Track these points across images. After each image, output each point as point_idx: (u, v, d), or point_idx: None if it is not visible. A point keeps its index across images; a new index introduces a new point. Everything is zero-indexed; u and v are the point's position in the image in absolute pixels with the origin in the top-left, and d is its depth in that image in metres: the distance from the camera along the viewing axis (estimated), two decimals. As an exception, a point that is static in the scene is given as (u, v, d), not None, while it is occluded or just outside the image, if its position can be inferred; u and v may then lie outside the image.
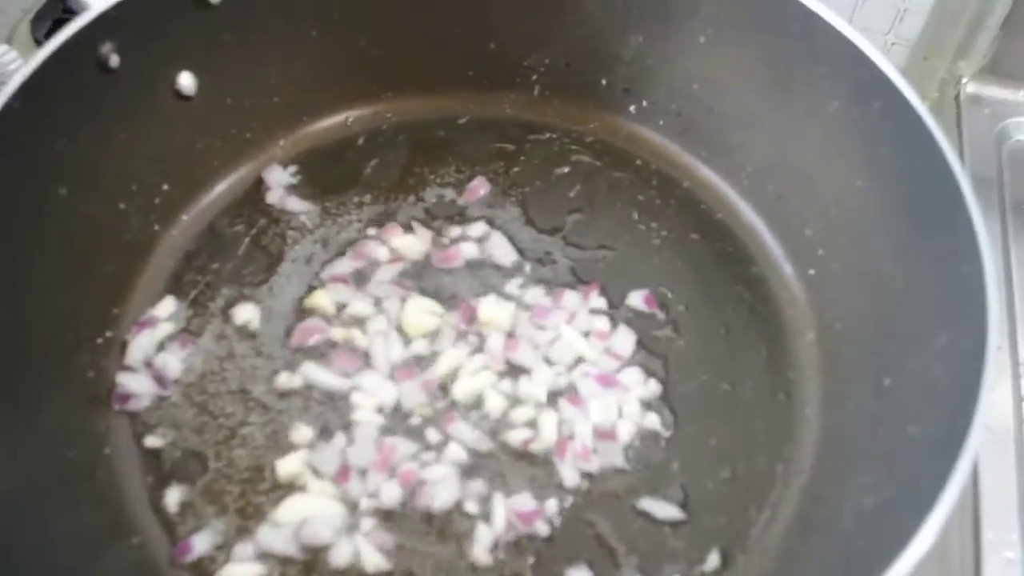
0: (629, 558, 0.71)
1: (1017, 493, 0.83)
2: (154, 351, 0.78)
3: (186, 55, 0.82)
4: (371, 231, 0.86)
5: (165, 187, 0.85)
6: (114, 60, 0.76)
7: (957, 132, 1.13)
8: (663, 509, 0.73)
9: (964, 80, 1.16)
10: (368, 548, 0.70)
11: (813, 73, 0.81)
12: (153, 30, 0.78)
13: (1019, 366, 0.92)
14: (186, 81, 0.83)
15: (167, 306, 0.81)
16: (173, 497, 0.72)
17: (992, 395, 0.86)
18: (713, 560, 0.71)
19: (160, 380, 0.77)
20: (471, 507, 0.72)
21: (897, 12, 1.19)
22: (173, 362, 0.78)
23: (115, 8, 0.74)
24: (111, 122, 0.79)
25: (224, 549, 0.70)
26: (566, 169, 0.92)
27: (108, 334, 0.79)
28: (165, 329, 0.80)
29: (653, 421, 0.77)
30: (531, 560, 0.71)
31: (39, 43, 1.00)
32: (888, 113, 0.75)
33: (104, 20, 0.74)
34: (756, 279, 0.86)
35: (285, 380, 0.77)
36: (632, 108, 0.94)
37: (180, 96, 0.83)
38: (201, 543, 0.70)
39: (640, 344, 0.81)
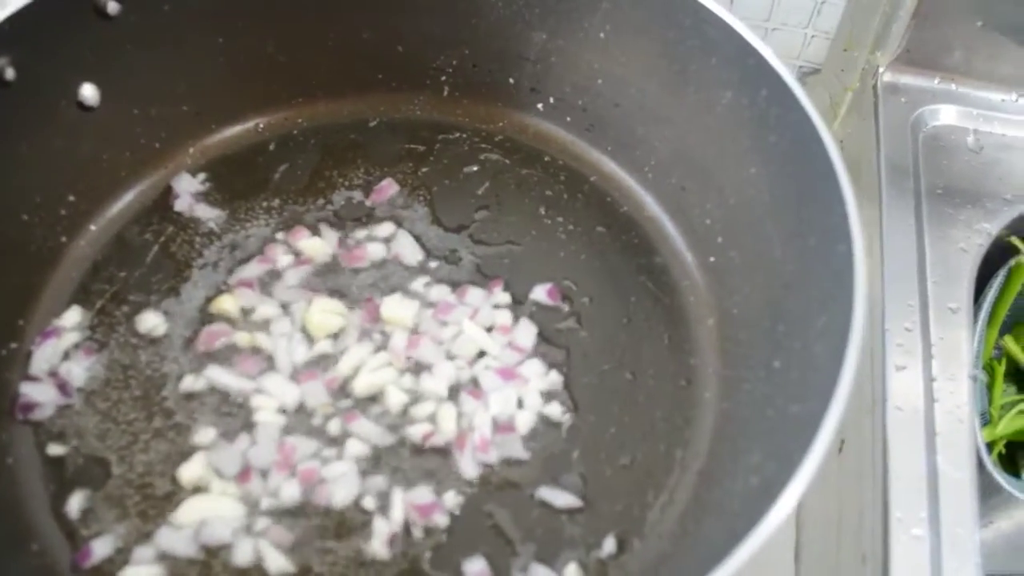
0: (526, 546, 0.72)
1: (926, 472, 0.84)
2: (59, 360, 0.79)
3: (87, 66, 0.83)
4: (279, 235, 0.87)
5: (71, 198, 0.85)
6: (10, 73, 0.76)
7: (875, 122, 1.14)
8: (561, 497, 0.74)
9: (881, 69, 1.17)
10: (268, 547, 0.70)
11: (706, 65, 0.82)
12: (50, 43, 0.78)
13: (931, 347, 0.93)
14: (88, 92, 0.83)
15: (72, 316, 0.82)
16: (75, 504, 0.73)
17: (902, 375, 0.88)
18: (609, 545, 0.72)
19: (64, 389, 0.78)
20: (370, 503, 0.73)
21: (815, 5, 1.21)
22: (77, 371, 0.78)
23: (7, 22, 0.74)
24: (10, 135, 0.79)
25: (124, 552, 0.71)
26: (475, 168, 0.93)
27: (12, 345, 0.79)
28: (70, 338, 0.80)
29: (553, 411, 0.78)
30: (428, 553, 0.71)
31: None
32: (773, 100, 0.76)
33: (-4, 33, 0.74)
34: (659, 268, 0.87)
35: (189, 383, 0.78)
36: (540, 106, 0.96)
37: (83, 107, 0.84)
38: (101, 548, 0.71)
39: (542, 336, 0.82)
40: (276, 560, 0.70)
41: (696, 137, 0.86)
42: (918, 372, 0.90)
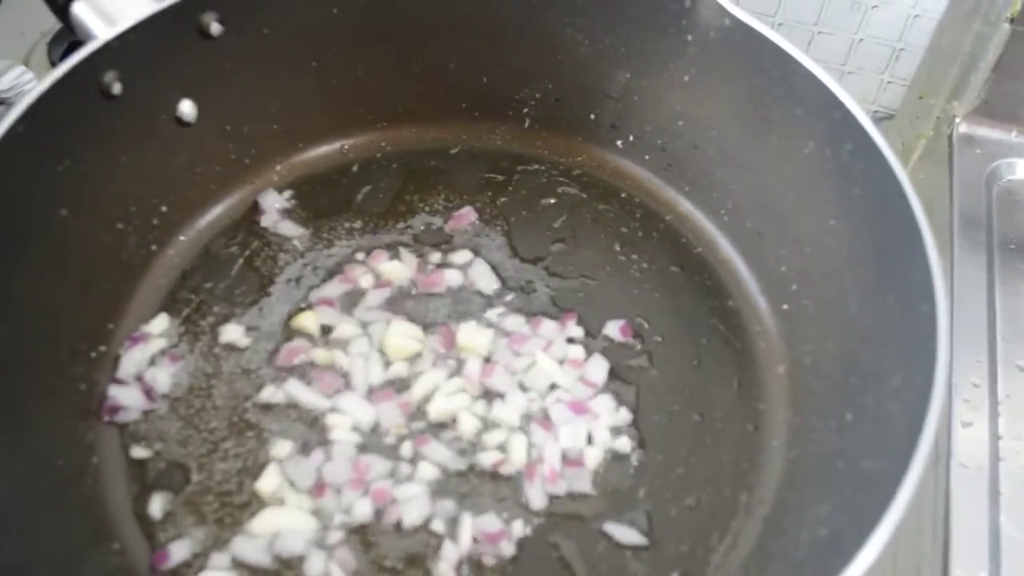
0: (590, 581, 0.73)
1: (988, 530, 0.84)
2: (145, 366, 0.82)
3: (187, 83, 0.86)
4: (360, 256, 0.90)
5: (163, 209, 0.88)
6: (116, 88, 0.79)
7: (949, 171, 1.14)
8: (626, 534, 0.75)
9: (957, 120, 1.17)
10: (338, 564, 0.72)
11: (791, 114, 0.83)
12: (155, 60, 0.82)
13: (998, 404, 0.92)
14: (187, 108, 0.87)
15: (160, 323, 0.84)
16: (155, 506, 0.75)
17: (968, 431, 0.88)
18: (673, 586, 0.73)
19: (149, 394, 0.80)
20: (439, 525, 0.74)
21: (893, 51, 1.21)
22: (162, 377, 0.81)
23: (118, 39, 0.78)
24: (113, 146, 0.82)
25: (201, 557, 0.73)
26: (552, 200, 0.95)
27: (102, 348, 0.82)
28: (157, 345, 0.83)
29: (622, 447, 0.79)
30: (495, 580, 0.73)
31: (54, 64, 1.05)
32: (858, 154, 0.77)
33: (107, 51, 0.77)
34: (731, 312, 0.88)
35: (269, 394, 0.80)
36: (619, 143, 0.97)
37: (181, 122, 0.87)
38: (179, 551, 0.73)
39: (614, 373, 0.83)
40: (346, 574, 0.72)
41: (775, 184, 0.87)
42: (984, 429, 0.90)
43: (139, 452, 0.78)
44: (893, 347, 0.72)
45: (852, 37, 1.22)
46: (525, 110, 0.98)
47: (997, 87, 1.14)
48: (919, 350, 0.66)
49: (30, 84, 1.00)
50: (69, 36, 1.09)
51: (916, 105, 1.25)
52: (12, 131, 0.72)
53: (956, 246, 1.05)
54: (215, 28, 0.84)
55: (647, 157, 0.96)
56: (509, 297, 0.88)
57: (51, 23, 1.08)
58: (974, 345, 0.96)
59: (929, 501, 0.87)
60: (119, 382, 0.81)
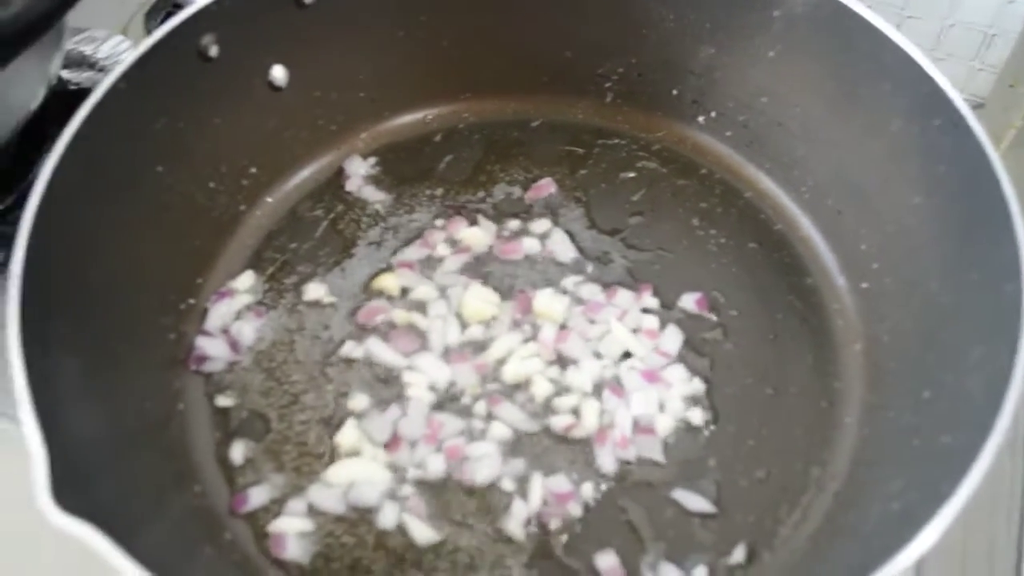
0: (656, 544, 0.73)
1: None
2: (231, 319, 0.85)
3: (279, 49, 0.89)
4: (440, 222, 0.91)
5: (253, 170, 0.91)
6: (213, 50, 0.82)
7: (1035, 161, 1.11)
8: (695, 501, 0.75)
9: (1049, 108, 1.14)
10: (411, 515, 0.74)
11: (877, 90, 0.82)
12: (250, 25, 0.84)
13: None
14: (278, 73, 0.89)
15: (246, 279, 0.87)
16: (237, 453, 0.78)
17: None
18: (739, 554, 0.73)
19: (234, 346, 0.83)
20: (510, 484, 0.76)
21: (984, 38, 1.18)
22: (247, 330, 0.84)
23: (215, 3, 0.81)
24: (207, 108, 0.85)
25: (278, 503, 0.75)
26: (632, 174, 0.96)
27: (191, 301, 0.85)
28: (243, 300, 0.86)
29: (694, 418, 0.79)
30: (563, 539, 0.74)
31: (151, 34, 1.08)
32: (946, 130, 0.76)
33: (205, 14, 0.80)
34: (809, 289, 0.87)
35: (348, 350, 0.83)
36: (700, 118, 0.97)
37: (272, 87, 0.90)
38: (257, 496, 0.76)
39: (688, 344, 0.84)
40: (418, 527, 0.74)
41: (859, 161, 0.86)
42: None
43: (223, 401, 0.81)
44: (974, 325, 0.71)
45: (942, 22, 1.19)
46: (607, 85, 0.99)
47: (1092, 75, 1.11)
48: (1002, 328, 0.66)
49: (127, 54, 1.04)
50: (166, 7, 1.13)
51: (1006, 94, 1.21)
52: (115, 88, 0.76)
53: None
54: (308, -4, 0.87)
55: (728, 133, 0.96)
56: (586, 267, 0.89)
57: (148, -6, 1.12)
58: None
59: (1006, 482, 0.86)
60: (206, 334, 0.84)
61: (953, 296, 0.75)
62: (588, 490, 0.76)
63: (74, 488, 0.59)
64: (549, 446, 0.78)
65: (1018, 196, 1.08)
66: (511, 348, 0.83)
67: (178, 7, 0.98)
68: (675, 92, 0.97)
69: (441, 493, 0.76)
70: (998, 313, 0.67)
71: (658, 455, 0.77)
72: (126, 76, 0.76)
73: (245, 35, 0.84)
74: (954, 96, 0.75)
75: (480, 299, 0.85)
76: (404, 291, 0.87)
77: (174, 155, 0.83)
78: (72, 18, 0.97)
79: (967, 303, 0.73)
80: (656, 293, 0.87)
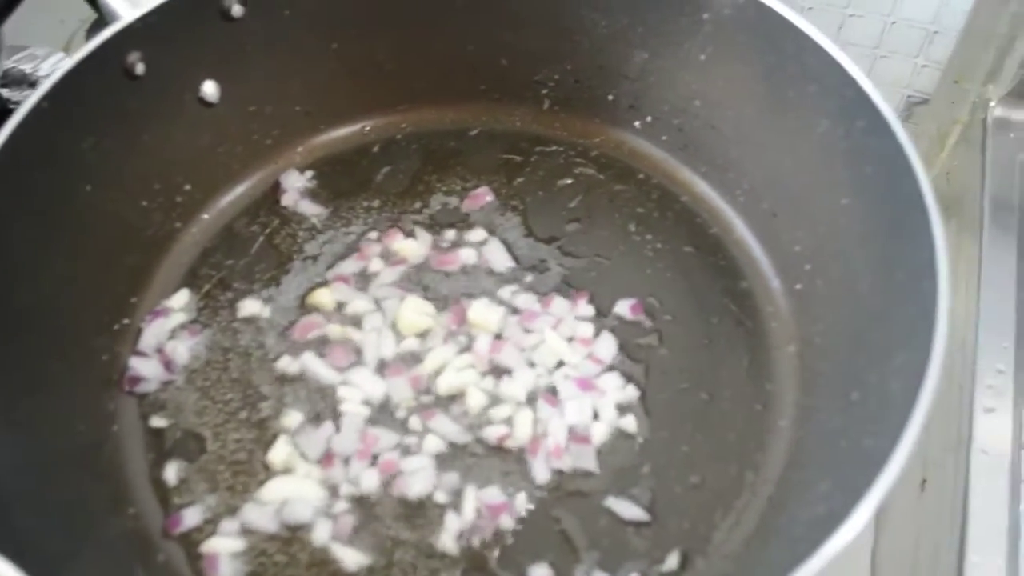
0: (590, 554, 0.73)
1: (1007, 519, 0.83)
2: (166, 339, 0.84)
3: (210, 64, 0.88)
4: (375, 234, 0.91)
5: (187, 187, 0.91)
6: (140, 68, 0.82)
7: (981, 155, 1.12)
8: (628, 509, 0.75)
9: (992, 104, 1.15)
10: (344, 530, 0.74)
11: (804, 92, 0.83)
12: (178, 41, 0.84)
13: (1024, 393, 0.91)
14: (210, 89, 0.89)
15: (181, 297, 0.87)
16: (171, 473, 0.78)
17: (990, 418, 0.87)
18: (673, 561, 0.73)
19: (168, 366, 0.83)
20: (443, 497, 0.76)
21: (927, 34, 1.19)
22: (182, 350, 0.84)
23: (140, 21, 0.80)
24: (136, 125, 0.85)
25: (211, 523, 0.75)
26: (569, 181, 0.96)
27: (124, 321, 0.85)
28: (177, 319, 0.86)
29: (628, 425, 0.80)
30: (496, 552, 0.74)
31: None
32: (870, 131, 0.76)
33: (129, 32, 0.80)
34: (744, 293, 0.88)
35: (283, 367, 0.82)
36: (637, 123, 0.97)
37: (204, 103, 0.89)
38: (191, 517, 0.75)
39: (623, 351, 0.84)
40: (346, 553, 0.73)
41: (790, 164, 0.86)
42: (1008, 416, 0.88)
43: (157, 421, 0.80)
44: (899, 326, 0.71)
45: (884, 20, 1.20)
46: (544, 91, 0.99)
47: (1034, 70, 1.12)
48: (922, 328, 0.66)
49: (64, 71, 1.04)
50: (106, 24, 1.12)
51: (951, 89, 1.22)
52: (37, 107, 0.75)
53: (986, 231, 1.03)
54: (236, 10, 0.86)
55: (664, 138, 0.96)
56: (522, 276, 0.89)
57: (91, 11, 1.12)
58: (1000, 331, 0.94)
59: (949, 488, 0.86)
60: (140, 354, 0.83)
61: (880, 297, 0.75)
62: (522, 501, 0.76)
63: (-10, 518, 0.58)
64: (483, 458, 0.78)
65: (965, 189, 1.10)
66: (446, 360, 0.82)
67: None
68: (611, 97, 0.97)
69: (375, 508, 0.76)
70: (919, 314, 0.67)
71: (592, 464, 0.77)
72: (49, 95, 0.76)
73: (172, 51, 0.84)
74: (876, 97, 0.75)
75: (415, 311, 0.85)
76: (339, 305, 0.87)
77: (103, 174, 0.82)
78: (12, 36, 0.97)
79: (893, 304, 0.73)
80: (591, 300, 0.87)
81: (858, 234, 0.79)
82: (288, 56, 0.93)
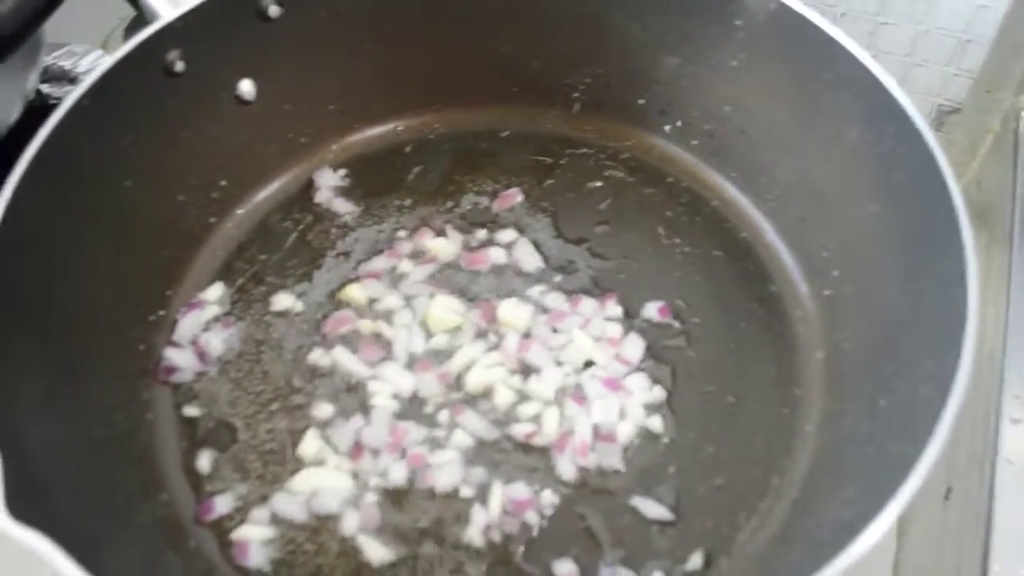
0: (615, 551, 0.74)
1: (1032, 528, 0.83)
2: (200, 330, 0.86)
3: (247, 63, 0.90)
4: (407, 233, 0.92)
5: (223, 183, 0.92)
6: (179, 66, 0.84)
7: (1013, 165, 1.11)
8: (653, 508, 0.76)
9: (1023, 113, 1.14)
10: (372, 521, 0.75)
11: (836, 99, 0.83)
12: (216, 40, 0.85)
13: (1055, 403, 0.90)
14: (246, 87, 0.90)
15: (216, 291, 0.88)
16: (203, 462, 0.79)
17: (1017, 428, 0.87)
18: (696, 561, 0.74)
19: (202, 357, 0.84)
20: (470, 491, 0.77)
21: (959, 43, 1.19)
22: (216, 341, 0.85)
23: (180, 20, 0.82)
24: (175, 122, 0.87)
25: (242, 511, 0.76)
26: (599, 184, 0.96)
27: (160, 313, 0.87)
28: (212, 311, 0.87)
29: (654, 425, 0.80)
30: (521, 547, 0.74)
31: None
32: (900, 139, 0.77)
33: (170, 30, 0.82)
34: (772, 297, 0.88)
35: (315, 360, 0.84)
36: (667, 128, 0.98)
37: (240, 101, 0.91)
38: (222, 504, 0.77)
39: (650, 352, 0.84)
40: (378, 534, 0.74)
41: (820, 170, 0.87)
42: (1036, 426, 0.88)
43: (190, 411, 0.82)
44: (927, 332, 0.71)
45: (916, 28, 1.20)
46: (575, 95, 1.00)
47: (1067, 81, 1.11)
48: (950, 335, 0.66)
49: (103, 69, 1.06)
50: (145, 22, 1.14)
51: (983, 99, 1.22)
52: (78, 104, 0.77)
53: (1017, 241, 1.02)
54: (274, 10, 0.88)
55: (695, 142, 0.97)
56: (551, 276, 0.90)
57: (128, 9, 1.13)
58: (1030, 342, 0.93)
59: (974, 498, 0.86)
60: (175, 345, 0.85)
61: (909, 303, 0.75)
62: (548, 497, 0.76)
63: (31, 499, 0.60)
64: (510, 454, 0.79)
65: (996, 199, 1.09)
66: (474, 357, 0.83)
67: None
68: (642, 102, 0.98)
69: (403, 500, 0.77)
70: (948, 321, 0.67)
71: (618, 463, 0.78)
72: (91, 93, 0.77)
73: (211, 50, 0.86)
74: (907, 104, 0.76)
75: (445, 309, 0.86)
76: (371, 301, 0.88)
77: (142, 170, 0.84)
78: (51, 33, 0.98)
79: (922, 311, 0.73)
80: (620, 301, 0.87)
81: (887, 241, 0.80)
82: (323, 56, 0.94)
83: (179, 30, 0.82)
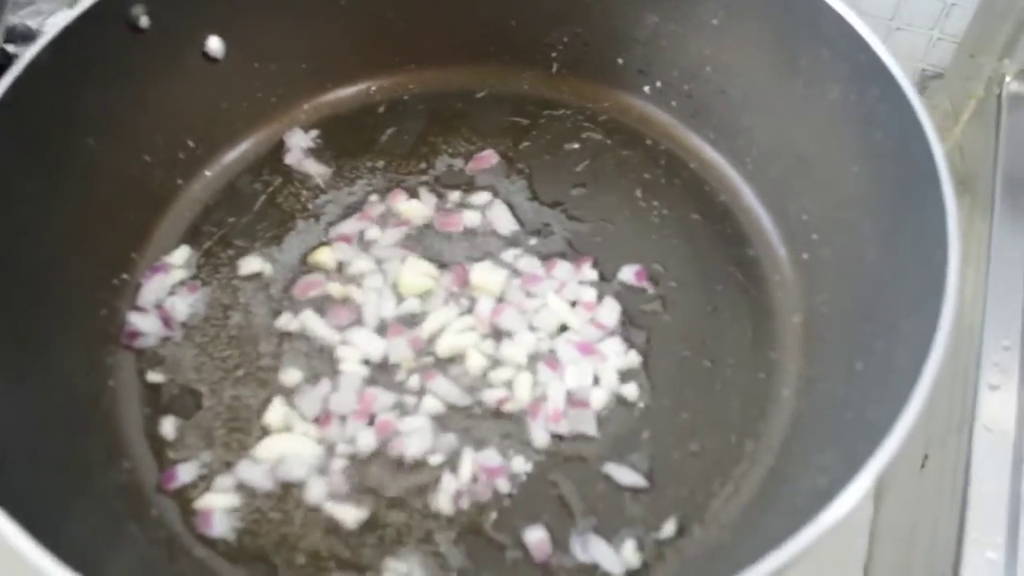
0: (587, 519, 0.73)
1: (1008, 496, 0.82)
2: (165, 295, 0.84)
3: (215, 19, 0.87)
4: (379, 195, 0.90)
5: (190, 143, 0.90)
6: (144, 21, 0.81)
7: (995, 131, 1.10)
8: (627, 475, 0.75)
9: (1008, 79, 1.13)
10: (339, 488, 0.73)
11: (817, 57, 0.81)
12: (183, -6, 0.83)
13: (1032, 368, 0.89)
14: (214, 45, 0.88)
15: (181, 254, 0.86)
16: (167, 429, 0.77)
17: (995, 395, 0.85)
18: (669, 528, 0.72)
19: (167, 321, 0.82)
20: (440, 458, 0.75)
21: (943, 7, 1.17)
22: (181, 306, 0.83)
23: (145, -28, 0.79)
24: (140, 80, 0.84)
25: (206, 479, 0.75)
26: (576, 145, 0.94)
27: (124, 276, 0.84)
28: (177, 275, 0.85)
29: (629, 391, 0.79)
30: (493, 514, 0.73)
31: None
32: (883, 98, 0.75)
33: (134, -17, 0.79)
34: (750, 261, 0.86)
35: (283, 323, 0.82)
36: (646, 88, 0.96)
37: (208, 58, 0.88)
38: (185, 472, 0.75)
39: (626, 316, 0.83)
40: (345, 502, 0.73)
41: (800, 130, 0.85)
42: (1012, 394, 0.87)
43: (154, 377, 0.80)
44: (906, 295, 0.70)
45: (901, -10, 1.18)
46: (553, 54, 0.97)
47: (1051, 44, 1.09)
48: (930, 297, 0.65)
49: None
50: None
51: (967, 64, 1.20)
52: (37, 61, 0.74)
53: (998, 207, 1.01)
54: (242, -35, 0.85)
55: (674, 103, 0.95)
56: (526, 239, 0.88)
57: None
58: (1009, 308, 0.92)
59: (951, 465, 0.85)
60: (139, 309, 0.83)
61: (888, 266, 0.74)
62: (519, 464, 0.75)
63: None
64: (481, 420, 0.77)
65: (979, 165, 1.08)
66: (446, 321, 0.82)
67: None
68: (621, 61, 0.96)
69: (371, 467, 0.75)
70: (927, 283, 0.66)
71: (591, 429, 0.77)
72: (50, 48, 0.75)
73: (177, 5, 0.83)
74: (891, 63, 0.74)
75: (416, 272, 0.84)
76: (341, 265, 0.86)
77: (106, 129, 0.82)
78: (17, -10, 0.96)
79: (901, 273, 0.72)
80: (595, 265, 0.86)
81: (867, 203, 0.78)
82: (295, 13, 0.91)
83: (144, -17, 0.79)
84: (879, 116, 0.76)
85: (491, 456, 0.75)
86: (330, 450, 0.76)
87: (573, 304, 0.83)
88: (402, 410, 0.78)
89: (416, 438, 0.76)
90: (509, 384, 0.79)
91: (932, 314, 0.63)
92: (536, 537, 0.72)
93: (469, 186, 0.91)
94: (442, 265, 0.86)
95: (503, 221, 0.88)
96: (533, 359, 0.80)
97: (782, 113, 0.86)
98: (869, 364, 0.72)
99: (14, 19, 1.08)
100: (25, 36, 1.08)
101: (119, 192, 0.85)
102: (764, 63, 0.86)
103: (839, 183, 0.81)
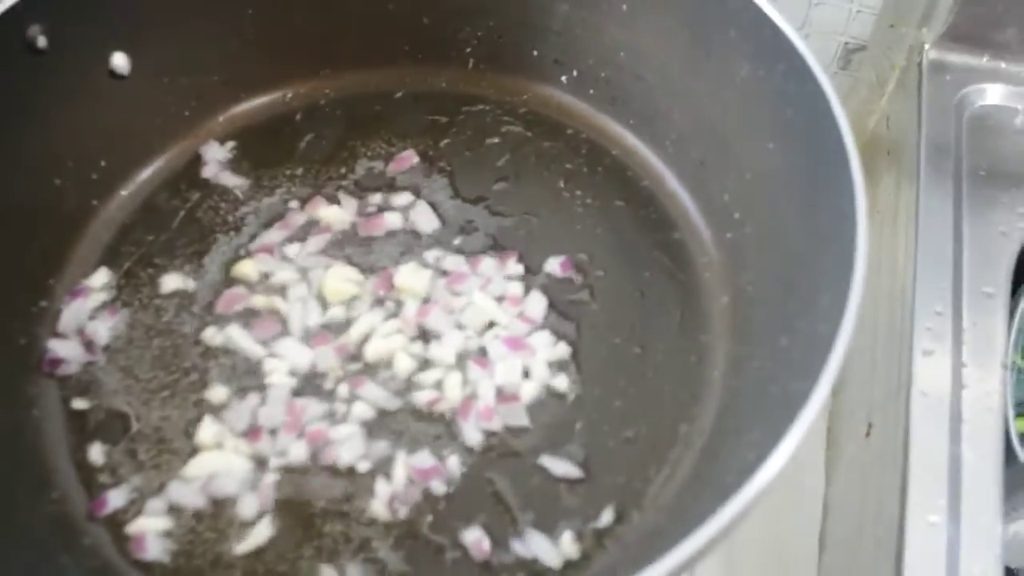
0: (524, 514, 0.72)
1: (948, 460, 0.83)
2: (85, 319, 0.82)
3: (118, 35, 0.86)
4: (300, 203, 0.89)
5: (103, 163, 0.88)
6: (41, 41, 0.79)
7: (917, 99, 1.11)
8: (561, 467, 0.74)
9: (927, 46, 1.14)
10: (271, 502, 0.72)
11: (726, 36, 0.81)
12: (81, 12, 0.81)
13: (963, 333, 0.90)
14: (120, 61, 0.86)
15: (100, 277, 0.85)
16: (94, 456, 0.76)
17: (929, 360, 0.86)
18: (607, 516, 0.72)
19: (89, 346, 0.81)
20: (373, 464, 0.74)
21: (859, -22, 1.18)
22: (103, 329, 0.81)
23: (37, -9, 0.77)
24: (43, 101, 0.82)
25: (137, 503, 0.73)
26: (496, 140, 0.94)
27: (42, 304, 0.83)
28: (97, 298, 0.83)
29: (560, 383, 0.78)
30: (429, 517, 0.72)
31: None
32: (789, 74, 0.75)
33: (28, 3, 0.77)
34: (676, 244, 0.86)
35: (208, 338, 0.81)
36: (563, 78, 0.96)
37: (114, 75, 0.87)
38: (116, 498, 0.74)
39: (553, 308, 0.82)
40: (280, 515, 0.72)
41: (716, 111, 0.85)
42: (947, 357, 0.88)
43: (79, 404, 0.78)
44: (823, 269, 0.70)
45: (817, -35, 1.19)
46: (468, 50, 0.97)
47: (966, 10, 1.10)
48: (843, 271, 0.65)
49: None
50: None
51: (887, 34, 1.21)
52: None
53: (923, 174, 1.02)
54: (145, -24, 0.83)
55: (592, 92, 0.95)
56: (450, 238, 0.87)
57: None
58: (939, 274, 0.93)
59: (892, 432, 0.86)
60: (59, 336, 0.81)
61: (806, 241, 0.74)
62: (453, 464, 0.75)
63: None
64: (413, 423, 0.77)
65: (904, 134, 1.09)
66: (373, 326, 0.81)
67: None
68: (536, 53, 0.95)
69: (305, 478, 0.74)
70: (841, 256, 0.66)
71: (523, 420, 0.76)
72: (-56, 75, 0.73)
73: (77, 22, 0.81)
74: (794, 38, 0.74)
75: (341, 279, 0.83)
76: (264, 276, 0.85)
77: (11, 154, 0.80)
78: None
79: (817, 248, 0.72)
80: (521, 259, 0.85)
81: (783, 179, 0.78)
82: (201, 23, 0.90)
83: (39, 3, 0.77)
84: (788, 93, 0.76)
85: (424, 458, 0.74)
86: (262, 464, 0.75)
87: (500, 300, 0.83)
88: (332, 419, 0.77)
89: (348, 446, 0.75)
90: (439, 385, 0.78)
91: (846, 286, 0.63)
92: (474, 536, 0.71)
93: (390, 188, 0.91)
94: (366, 270, 0.85)
95: (426, 221, 0.88)
96: (462, 358, 0.80)
97: (698, 94, 0.86)
98: (793, 339, 0.72)
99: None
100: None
101: (30, 218, 0.83)
102: (676, 45, 0.86)
103: (756, 161, 0.81)
